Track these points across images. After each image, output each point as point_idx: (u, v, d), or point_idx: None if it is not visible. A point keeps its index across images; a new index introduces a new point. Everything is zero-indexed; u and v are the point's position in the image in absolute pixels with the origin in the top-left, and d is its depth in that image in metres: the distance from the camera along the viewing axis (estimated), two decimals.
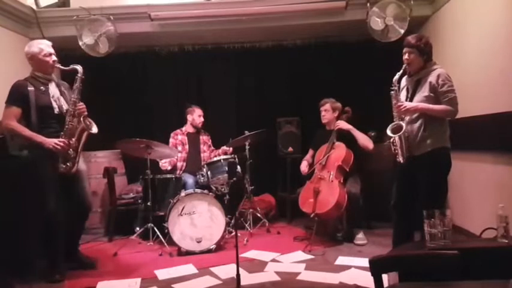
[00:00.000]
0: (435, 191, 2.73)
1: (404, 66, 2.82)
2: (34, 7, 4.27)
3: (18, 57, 4.16)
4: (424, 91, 2.77)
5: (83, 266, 3.21)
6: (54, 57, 3.07)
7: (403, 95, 2.91)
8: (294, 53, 5.08)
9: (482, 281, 1.47)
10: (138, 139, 3.67)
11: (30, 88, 2.95)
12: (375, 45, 4.13)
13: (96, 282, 2.92)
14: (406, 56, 2.80)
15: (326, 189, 3.64)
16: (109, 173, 4.17)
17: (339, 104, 4.09)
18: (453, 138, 2.83)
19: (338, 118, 4.01)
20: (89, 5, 4.12)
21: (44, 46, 3.05)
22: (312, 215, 3.57)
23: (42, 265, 3.10)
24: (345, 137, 3.88)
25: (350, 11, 4.25)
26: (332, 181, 3.69)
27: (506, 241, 2.06)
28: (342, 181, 3.74)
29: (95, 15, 4.03)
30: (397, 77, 2.86)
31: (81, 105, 3.04)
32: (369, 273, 1.37)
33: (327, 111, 4.07)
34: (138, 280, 2.95)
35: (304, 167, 4.08)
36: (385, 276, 1.43)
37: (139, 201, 4.07)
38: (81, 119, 2.99)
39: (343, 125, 3.90)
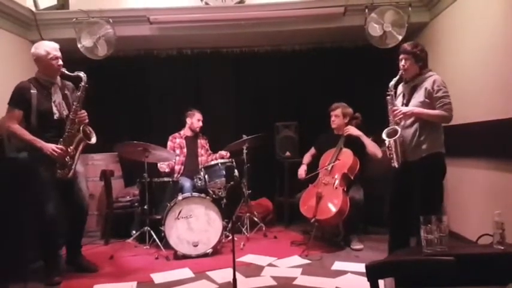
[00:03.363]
0: (430, 197, 2.75)
1: (400, 72, 2.85)
2: (33, 9, 4.27)
3: (17, 59, 4.18)
4: (419, 97, 2.80)
5: (83, 270, 3.20)
6: (60, 61, 3.04)
7: (399, 101, 2.93)
8: (292, 58, 5.08)
9: (479, 287, 1.47)
10: (135, 142, 3.67)
11: (33, 91, 2.94)
12: (373, 51, 4.14)
13: (92, 285, 2.92)
14: (402, 63, 2.83)
15: (329, 196, 3.57)
16: (106, 175, 4.16)
17: (350, 110, 3.97)
18: (451, 144, 2.84)
19: (348, 124, 3.92)
20: (88, 7, 4.13)
21: (50, 49, 3.01)
22: (312, 220, 3.53)
23: (40, 267, 3.09)
24: (353, 143, 3.80)
25: (348, 17, 4.26)
26: (336, 188, 3.61)
27: (502, 247, 2.05)
28: (345, 189, 3.66)
29: (94, 18, 4.04)
30: (393, 82, 2.88)
31: (83, 113, 3.03)
32: (366, 279, 1.37)
33: (337, 116, 3.95)
34: (134, 284, 2.95)
35: (302, 171, 4.02)
36: (381, 282, 1.43)
37: (136, 204, 4.07)
38: (81, 127, 2.99)
39: (353, 131, 3.81)
